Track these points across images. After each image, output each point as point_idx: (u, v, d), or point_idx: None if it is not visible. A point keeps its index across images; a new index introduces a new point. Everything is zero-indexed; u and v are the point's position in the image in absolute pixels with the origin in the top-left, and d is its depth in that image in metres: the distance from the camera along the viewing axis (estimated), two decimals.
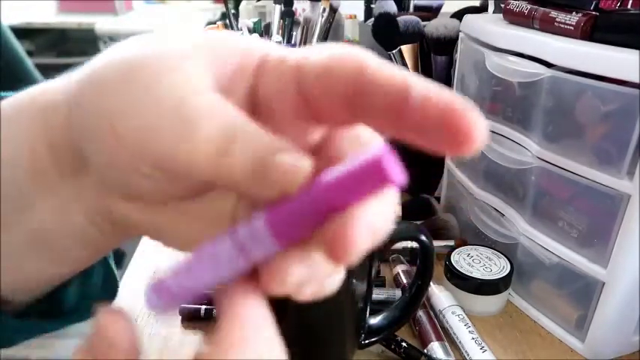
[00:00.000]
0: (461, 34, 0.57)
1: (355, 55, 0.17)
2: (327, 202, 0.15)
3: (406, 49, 0.65)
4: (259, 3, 0.81)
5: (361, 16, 0.77)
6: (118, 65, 0.17)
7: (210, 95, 0.17)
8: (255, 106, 0.19)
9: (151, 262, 0.58)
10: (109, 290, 0.35)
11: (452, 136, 0.15)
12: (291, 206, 0.15)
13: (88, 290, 0.34)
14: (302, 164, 0.16)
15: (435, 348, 0.43)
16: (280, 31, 0.71)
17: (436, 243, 0.56)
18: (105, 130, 0.17)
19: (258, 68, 0.19)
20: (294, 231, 0.15)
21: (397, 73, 0.16)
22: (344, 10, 0.75)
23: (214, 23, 0.72)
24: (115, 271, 0.35)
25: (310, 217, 0.15)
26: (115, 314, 0.16)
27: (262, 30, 0.71)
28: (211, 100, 0.17)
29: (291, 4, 0.71)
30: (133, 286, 0.54)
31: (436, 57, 0.64)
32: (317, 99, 0.17)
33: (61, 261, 0.23)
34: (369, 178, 0.14)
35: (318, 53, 0.18)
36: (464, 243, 0.55)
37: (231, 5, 0.74)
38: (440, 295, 0.48)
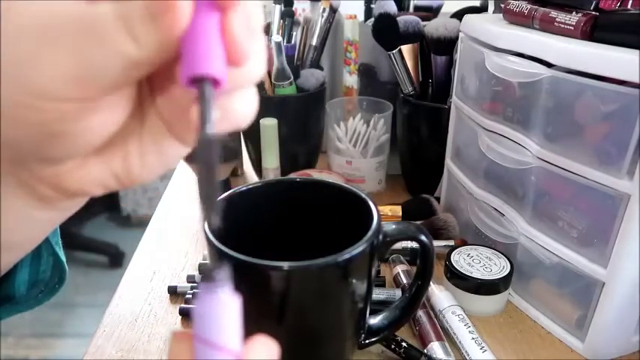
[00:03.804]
0: (461, 34, 0.57)
1: None
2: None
3: (406, 49, 0.65)
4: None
5: (361, 16, 0.77)
6: None
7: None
8: None
9: (150, 262, 0.58)
10: (58, 276, 0.37)
11: None
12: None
13: (37, 276, 0.35)
14: None
15: (435, 348, 0.43)
16: (280, 31, 0.71)
17: (436, 243, 0.56)
18: None
19: None
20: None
21: None
22: (344, 10, 0.75)
23: None
24: (63, 257, 0.36)
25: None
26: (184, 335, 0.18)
27: (262, 30, 0.71)
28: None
29: (291, 4, 0.71)
30: (132, 286, 0.54)
31: (436, 57, 0.64)
32: None
33: (14, 248, 0.24)
34: None
35: None
36: (464, 243, 0.55)
37: None
38: (440, 295, 0.48)
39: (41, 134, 0.18)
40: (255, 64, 0.19)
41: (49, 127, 0.18)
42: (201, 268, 0.55)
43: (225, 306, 0.17)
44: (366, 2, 0.76)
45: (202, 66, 0.17)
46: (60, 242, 0.36)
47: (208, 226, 0.34)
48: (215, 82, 0.17)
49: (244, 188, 0.41)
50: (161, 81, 0.20)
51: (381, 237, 0.36)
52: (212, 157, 0.17)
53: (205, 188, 0.17)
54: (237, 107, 0.20)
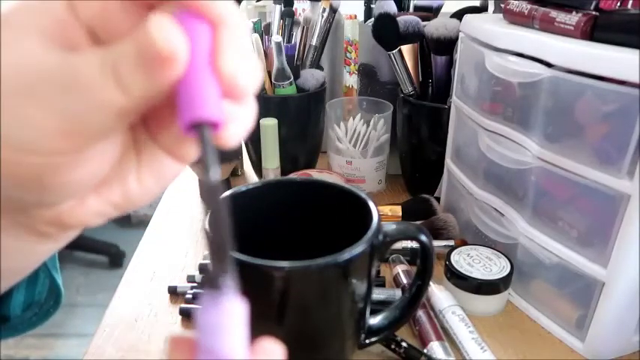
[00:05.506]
0: (461, 34, 0.57)
1: None
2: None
3: (406, 49, 0.65)
4: (259, 3, 0.81)
5: (361, 16, 0.77)
6: None
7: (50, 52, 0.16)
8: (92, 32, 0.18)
9: (150, 262, 0.58)
10: (54, 299, 0.37)
11: None
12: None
13: (33, 297, 0.35)
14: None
15: (435, 348, 0.43)
16: (280, 31, 0.71)
17: (436, 243, 0.56)
18: None
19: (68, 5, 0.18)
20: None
21: None
22: (344, 10, 0.75)
23: None
24: (60, 280, 0.36)
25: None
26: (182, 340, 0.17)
27: (262, 30, 0.71)
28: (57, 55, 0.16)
29: (291, 4, 0.71)
30: (132, 286, 0.54)
31: (436, 57, 0.64)
32: None
33: (9, 276, 0.24)
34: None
35: None
36: (464, 243, 0.55)
37: None
38: (440, 295, 0.48)
39: (33, 187, 0.18)
40: (250, 82, 0.18)
41: (39, 180, 0.17)
42: (203, 271, 0.55)
43: (232, 315, 0.16)
44: (366, 2, 0.76)
45: (199, 111, 0.16)
46: (57, 265, 0.36)
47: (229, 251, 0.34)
48: (214, 125, 0.17)
49: (244, 188, 0.41)
50: (155, 114, 0.20)
51: (381, 237, 0.36)
52: (218, 201, 0.17)
53: (215, 239, 0.16)
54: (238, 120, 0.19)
